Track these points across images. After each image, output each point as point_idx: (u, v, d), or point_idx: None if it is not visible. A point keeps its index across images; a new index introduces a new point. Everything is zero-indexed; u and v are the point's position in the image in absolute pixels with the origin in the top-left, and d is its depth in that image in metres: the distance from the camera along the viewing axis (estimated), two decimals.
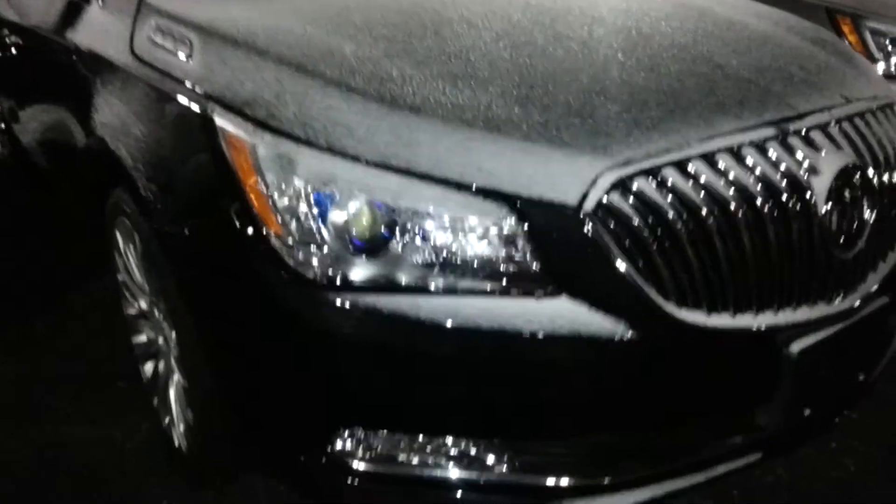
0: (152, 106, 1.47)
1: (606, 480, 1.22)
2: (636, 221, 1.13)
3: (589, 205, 1.12)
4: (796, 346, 1.23)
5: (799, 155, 1.23)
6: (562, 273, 1.14)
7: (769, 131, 1.23)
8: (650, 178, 1.15)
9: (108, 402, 1.95)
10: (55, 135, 2.15)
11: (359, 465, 1.25)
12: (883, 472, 1.70)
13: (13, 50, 2.44)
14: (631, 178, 1.14)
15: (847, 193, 1.26)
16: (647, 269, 1.14)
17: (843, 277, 1.30)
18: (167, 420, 1.71)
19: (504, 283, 1.15)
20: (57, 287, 2.47)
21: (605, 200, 1.12)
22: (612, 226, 1.12)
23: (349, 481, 1.25)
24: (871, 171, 1.31)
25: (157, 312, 1.68)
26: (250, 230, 1.20)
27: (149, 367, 1.83)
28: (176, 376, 1.64)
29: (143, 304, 1.79)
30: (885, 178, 1.35)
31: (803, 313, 1.25)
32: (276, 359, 1.26)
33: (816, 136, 1.27)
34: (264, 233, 1.19)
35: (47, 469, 1.72)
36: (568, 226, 1.12)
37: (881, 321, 1.41)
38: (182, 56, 1.43)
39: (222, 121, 1.25)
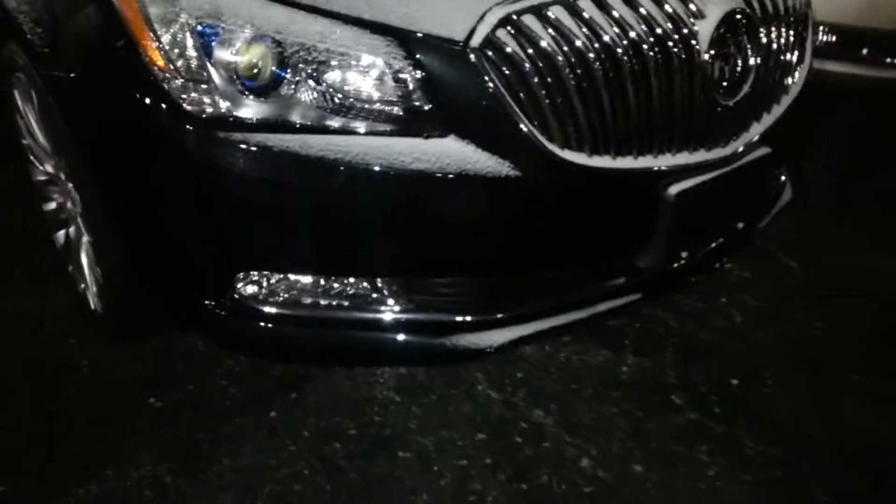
0: None
1: (497, 316, 1.30)
2: (522, 60, 1.15)
3: (476, 40, 1.13)
4: (674, 189, 1.30)
5: None
6: (450, 112, 1.16)
7: None
8: (538, 17, 1.16)
9: (25, 275, 1.96)
10: None
11: (262, 309, 1.28)
12: (767, 323, 1.84)
13: None
14: (519, 15, 1.15)
15: (731, 39, 1.29)
16: (532, 109, 1.17)
17: (725, 125, 1.35)
18: (82, 286, 1.72)
19: (393, 122, 1.16)
20: None
21: (491, 37, 1.13)
22: (498, 64, 1.14)
23: (254, 325, 1.30)
24: (757, 19, 1.34)
25: (61, 174, 1.66)
26: (136, 70, 1.18)
27: (61, 235, 1.82)
28: (85, 238, 1.64)
29: (50, 168, 1.76)
30: (773, 28, 1.38)
31: (682, 158, 1.31)
32: (169, 203, 1.26)
33: None
34: (151, 72, 1.17)
35: None
36: (455, 63, 1.13)
37: (762, 171, 1.48)
38: None
39: None
